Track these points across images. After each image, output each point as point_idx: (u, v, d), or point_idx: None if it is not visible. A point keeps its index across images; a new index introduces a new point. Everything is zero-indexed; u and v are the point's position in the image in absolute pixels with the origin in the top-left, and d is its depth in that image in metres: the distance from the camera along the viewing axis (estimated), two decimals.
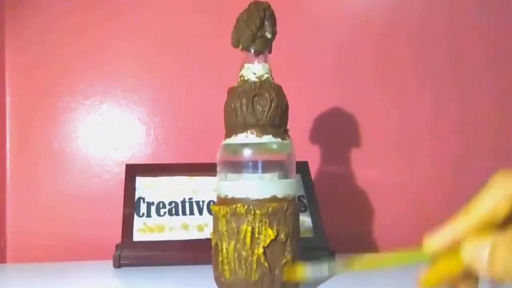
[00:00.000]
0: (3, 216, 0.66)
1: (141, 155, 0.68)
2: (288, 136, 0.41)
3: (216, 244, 0.38)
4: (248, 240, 0.36)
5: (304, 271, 0.32)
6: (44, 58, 0.69)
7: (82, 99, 0.69)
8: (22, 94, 0.69)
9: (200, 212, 0.58)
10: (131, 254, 0.53)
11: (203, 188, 0.60)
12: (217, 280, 0.39)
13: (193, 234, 0.56)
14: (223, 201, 0.38)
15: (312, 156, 0.68)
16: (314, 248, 0.55)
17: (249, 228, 0.36)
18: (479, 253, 0.25)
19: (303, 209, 0.59)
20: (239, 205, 0.36)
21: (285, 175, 0.39)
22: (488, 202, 0.26)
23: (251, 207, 0.36)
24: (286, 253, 0.37)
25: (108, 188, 0.67)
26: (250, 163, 0.38)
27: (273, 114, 0.39)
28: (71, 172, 0.67)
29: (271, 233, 0.36)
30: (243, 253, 0.36)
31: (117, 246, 0.54)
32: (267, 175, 0.38)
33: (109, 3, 0.70)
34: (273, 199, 0.37)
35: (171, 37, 0.71)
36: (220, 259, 0.37)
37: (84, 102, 0.69)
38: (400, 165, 0.71)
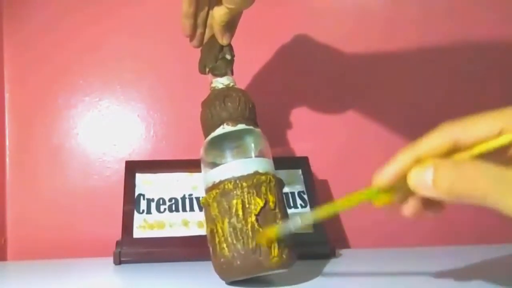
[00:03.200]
0: (3, 213, 0.66)
1: (140, 152, 0.68)
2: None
3: (211, 230, 0.39)
4: (240, 212, 0.38)
5: (278, 231, 0.36)
6: (43, 55, 0.69)
7: (81, 95, 0.69)
8: (21, 91, 0.69)
9: (200, 208, 0.58)
10: (132, 251, 0.53)
11: (202, 183, 0.60)
12: (217, 263, 0.39)
13: (193, 231, 0.56)
14: (211, 188, 0.40)
15: (313, 151, 0.67)
16: (314, 244, 0.55)
17: (239, 201, 0.38)
18: (423, 176, 0.29)
19: (303, 204, 0.59)
20: (226, 182, 0.39)
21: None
22: (432, 140, 0.30)
23: (237, 181, 0.39)
24: (277, 220, 0.38)
25: (108, 184, 0.67)
26: (228, 150, 0.41)
27: (243, 108, 0.43)
28: (71, 168, 0.67)
29: (260, 201, 0.38)
30: (238, 225, 0.37)
31: (117, 243, 0.54)
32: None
33: None
34: (256, 173, 0.39)
35: (170, 33, 0.70)
36: (217, 240, 0.38)
37: (83, 99, 0.69)
38: None
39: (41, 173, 0.67)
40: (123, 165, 0.61)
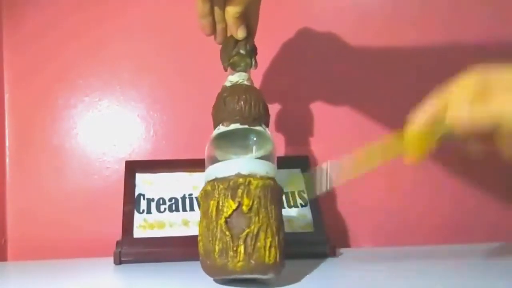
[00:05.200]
0: (3, 214, 0.66)
1: (140, 151, 0.68)
2: (264, 127, 0.43)
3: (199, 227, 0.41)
4: (213, 213, 0.38)
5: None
6: (42, 55, 0.69)
7: (81, 95, 0.69)
8: (20, 91, 0.69)
9: None
10: (132, 250, 0.53)
11: (203, 184, 0.60)
12: (200, 260, 0.40)
13: (194, 230, 0.56)
14: (203, 187, 0.41)
15: (313, 150, 0.67)
16: (315, 243, 0.55)
17: (215, 203, 0.38)
18: (461, 110, 0.31)
19: (303, 203, 0.59)
20: (208, 183, 0.40)
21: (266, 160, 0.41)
22: (463, 81, 0.32)
23: (215, 183, 0.39)
24: (251, 225, 0.37)
25: (108, 184, 0.67)
26: (219, 151, 0.41)
27: (242, 107, 0.42)
28: (71, 169, 0.67)
29: (232, 204, 0.38)
30: (210, 226, 0.38)
31: (117, 243, 0.54)
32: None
33: (109, 0, 0.70)
34: (238, 175, 0.39)
35: (170, 33, 0.70)
36: (198, 238, 0.40)
37: (83, 99, 0.69)
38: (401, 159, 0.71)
39: (41, 173, 0.67)
40: (123, 165, 0.61)
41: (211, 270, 0.38)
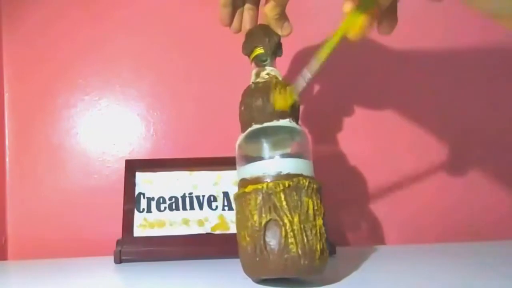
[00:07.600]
0: (4, 213, 0.66)
1: (140, 151, 0.68)
2: None
3: (273, 220, 0.37)
4: (311, 211, 0.37)
5: (293, 91, 0.39)
6: (42, 54, 0.69)
7: (81, 95, 0.69)
8: (20, 91, 0.69)
9: (201, 207, 0.58)
10: (132, 249, 0.53)
11: (203, 182, 0.60)
12: (276, 258, 0.36)
13: (194, 229, 0.56)
14: (277, 177, 0.38)
15: (313, 149, 0.67)
16: None
17: (310, 201, 0.37)
18: None
19: None
20: (301, 178, 0.38)
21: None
22: None
23: (311, 181, 0.38)
24: (324, 230, 0.38)
25: (108, 183, 0.67)
26: (297, 145, 0.40)
27: (298, 102, 0.42)
28: (71, 168, 0.67)
29: (323, 207, 0.38)
30: (308, 224, 0.37)
31: (117, 242, 0.54)
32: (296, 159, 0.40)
33: None
34: (313, 178, 0.39)
35: (170, 32, 0.70)
36: (283, 233, 0.36)
37: (83, 98, 0.69)
38: (402, 158, 0.71)
39: (41, 173, 0.67)
40: (123, 164, 0.61)
41: (303, 270, 0.36)
